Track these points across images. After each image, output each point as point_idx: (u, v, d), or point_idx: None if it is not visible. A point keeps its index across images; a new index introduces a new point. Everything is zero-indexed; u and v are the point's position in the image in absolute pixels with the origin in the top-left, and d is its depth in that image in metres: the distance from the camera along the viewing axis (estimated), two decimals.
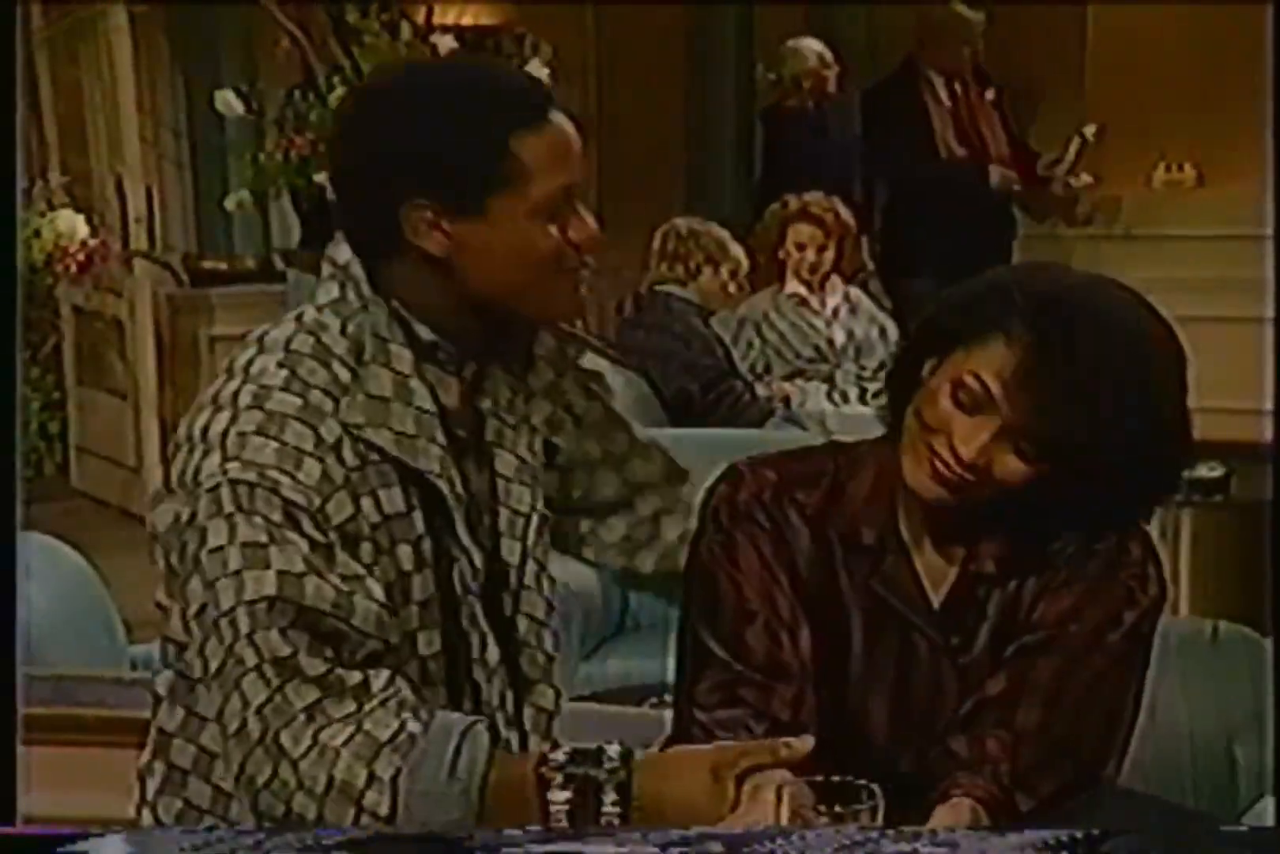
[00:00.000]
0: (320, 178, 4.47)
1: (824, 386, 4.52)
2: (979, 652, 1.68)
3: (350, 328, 1.54)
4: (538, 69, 5.95)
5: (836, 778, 1.39)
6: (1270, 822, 1.91)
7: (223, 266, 6.21)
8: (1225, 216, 5.66)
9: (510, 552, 1.63)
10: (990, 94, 5.87)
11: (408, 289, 1.56)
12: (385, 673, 1.46)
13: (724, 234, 4.52)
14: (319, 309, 1.56)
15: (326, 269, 1.58)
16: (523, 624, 1.65)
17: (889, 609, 1.69)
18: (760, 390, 4.52)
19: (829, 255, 4.69)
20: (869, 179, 5.90)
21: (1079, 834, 1.30)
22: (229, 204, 4.87)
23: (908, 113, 5.73)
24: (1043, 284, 1.61)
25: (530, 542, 1.65)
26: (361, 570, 1.49)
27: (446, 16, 5.74)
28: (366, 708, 1.44)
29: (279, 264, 5.33)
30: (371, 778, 1.42)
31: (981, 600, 1.68)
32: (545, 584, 1.68)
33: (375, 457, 1.52)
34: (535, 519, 1.66)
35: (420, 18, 4.77)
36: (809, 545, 1.71)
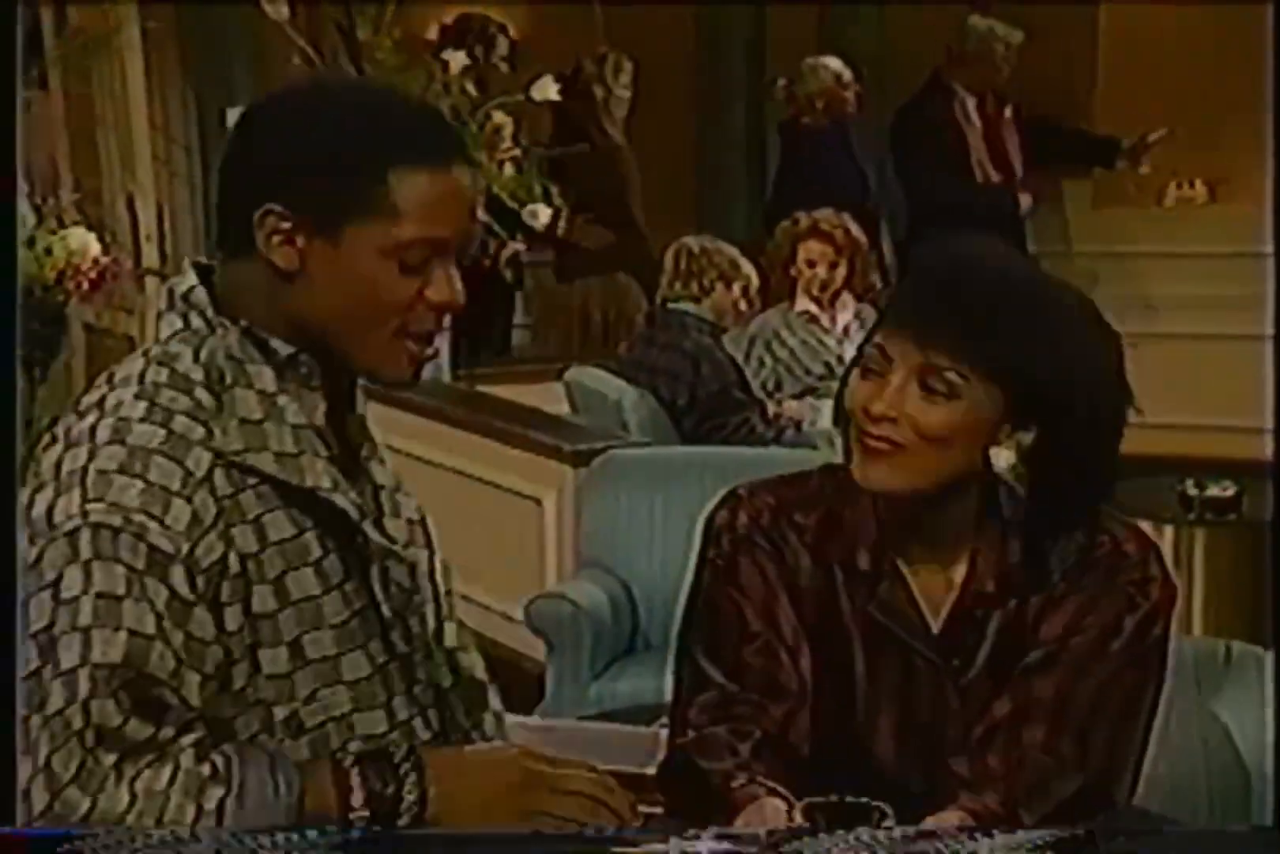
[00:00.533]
0: None
1: None
2: (980, 671, 1.69)
3: (203, 354, 1.48)
4: (621, 89, 6.03)
5: (849, 799, 1.41)
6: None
7: None
8: (1236, 234, 5.67)
9: (417, 558, 1.59)
10: (1009, 111, 5.87)
11: (252, 302, 1.50)
12: (195, 735, 1.41)
13: (735, 252, 4.54)
14: (165, 341, 1.50)
15: (164, 302, 1.53)
16: (450, 631, 1.61)
17: (889, 633, 1.70)
18: (771, 408, 4.53)
19: (840, 272, 4.69)
20: (884, 196, 5.91)
21: (1066, 834, 1.32)
22: None
23: (941, 132, 5.74)
24: (944, 253, 1.68)
25: (431, 547, 1.62)
26: (212, 634, 1.42)
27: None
28: (172, 753, 1.39)
29: None
30: (200, 811, 1.38)
31: (981, 622, 1.68)
32: (452, 592, 1.65)
33: (253, 480, 1.46)
34: (427, 525, 1.63)
35: (433, 34, 4.81)
36: (810, 568, 1.72)
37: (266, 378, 1.49)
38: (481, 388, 4.96)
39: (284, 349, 1.50)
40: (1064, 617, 1.66)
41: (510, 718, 3.01)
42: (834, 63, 5.95)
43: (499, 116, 4.63)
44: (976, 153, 5.76)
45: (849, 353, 4.77)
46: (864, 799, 1.42)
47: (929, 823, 1.53)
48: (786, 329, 4.72)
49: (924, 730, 1.70)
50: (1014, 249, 1.73)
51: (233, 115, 4.58)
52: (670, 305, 4.49)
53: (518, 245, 4.88)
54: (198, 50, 6.25)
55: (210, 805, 1.38)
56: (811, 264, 4.69)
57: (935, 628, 1.70)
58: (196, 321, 1.50)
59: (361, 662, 1.51)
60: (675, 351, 4.43)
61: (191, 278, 1.52)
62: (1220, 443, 5.06)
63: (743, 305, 4.53)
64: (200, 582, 1.41)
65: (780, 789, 1.57)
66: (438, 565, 1.63)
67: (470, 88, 4.57)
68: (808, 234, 4.69)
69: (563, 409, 4.66)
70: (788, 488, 1.77)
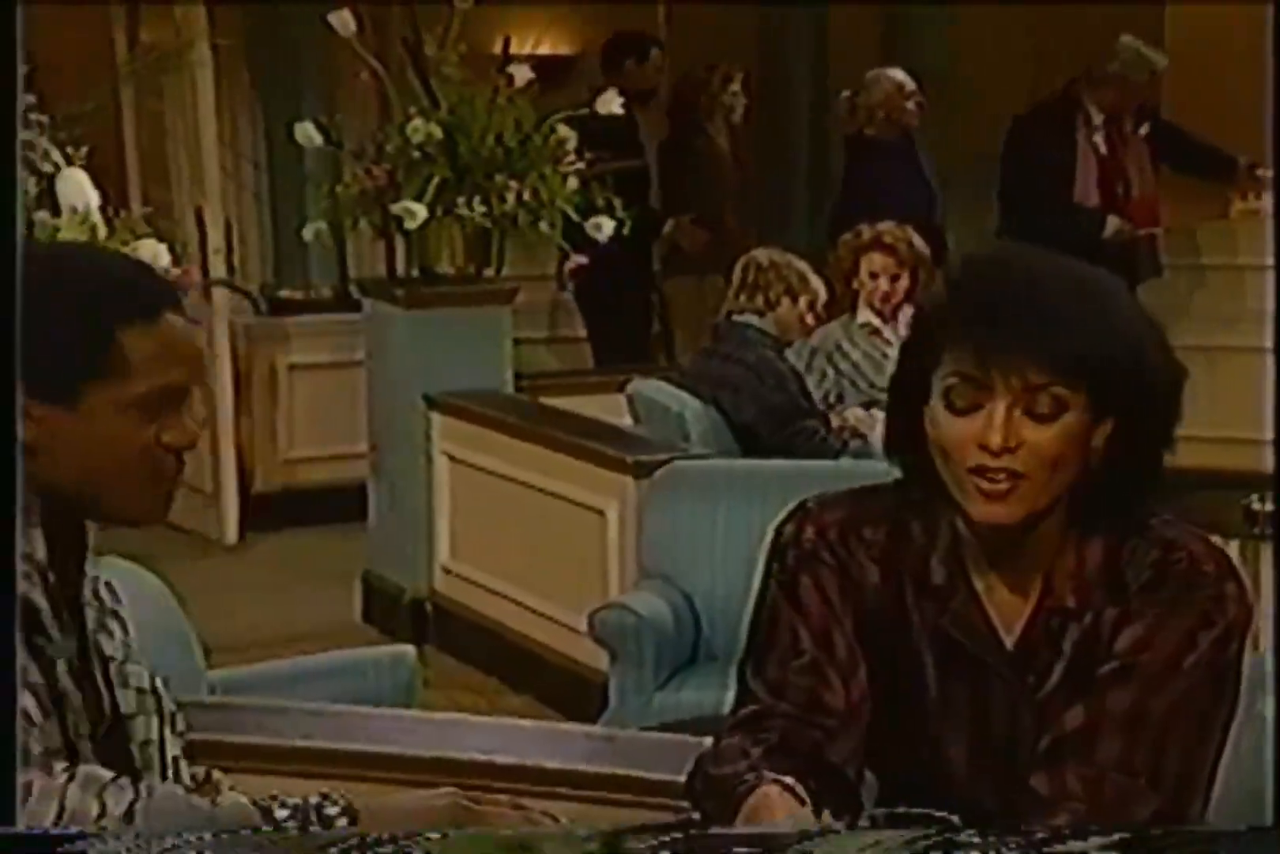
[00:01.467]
0: (395, 208, 4.57)
1: None
2: (1056, 686, 1.65)
3: None
4: (733, 99, 6.09)
5: (916, 810, 1.39)
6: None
7: (299, 296, 6.32)
8: None
9: (148, 727, 1.64)
10: (1145, 129, 5.85)
11: None
12: None
13: (804, 266, 4.53)
14: None
15: None
16: (138, 756, 1.63)
17: (961, 649, 1.67)
18: (834, 420, 4.53)
19: (902, 285, 4.68)
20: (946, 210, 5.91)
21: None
22: (306, 234, 4.90)
23: (1054, 147, 5.73)
24: (973, 269, 1.66)
25: (163, 714, 1.66)
26: None
27: (524, 46, 5.83)
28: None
29: (354, 293, 5.38)
30: (104, 809, 1.44)
31: (1056, 636, 1.66)
32: (153, 725, 1.65)
33: None
34: (159, 693, 1.66)
35: (497, 48, 4.85)
36: (878, 584, 1.70)
37: None
38: (545, 400, 4.99)
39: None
40: (1139, 631, 1.63)
41: (573, 726, 3.03)
42: (897, 74, 5.96)
43: (563, 130, 4.64)
44: (1084, 172, 5.75)
45: None
46: (930, 811, 1.40)
47: None
48: (849, 341, 4.72)
49: (998, 747, 1.68)
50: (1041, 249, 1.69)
51: (301, 130, 4.69)
52: (735, 318, 4.49)
53: (580, 258, 4.89)
54: (267, 67, 6.33)
55: (117, 810, 1.44)
56: (874, 276, 4.69)
57: (1009, 644, 1.67)
58: None
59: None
60: (737, 364, 4.43)
61: None
62: None
63: (809, 320, 4.53)
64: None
65: (787, 780, 1.55)
66: (168, 735, 1.66)
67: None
68: (871, 246, 4.70)
69: (625, 421, 4.68)
70: (858, 502, 1.74)
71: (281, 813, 1.50)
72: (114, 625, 1.67)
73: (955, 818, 1.38)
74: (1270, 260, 4.49)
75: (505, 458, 4.56)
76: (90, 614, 1.63)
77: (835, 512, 1.72)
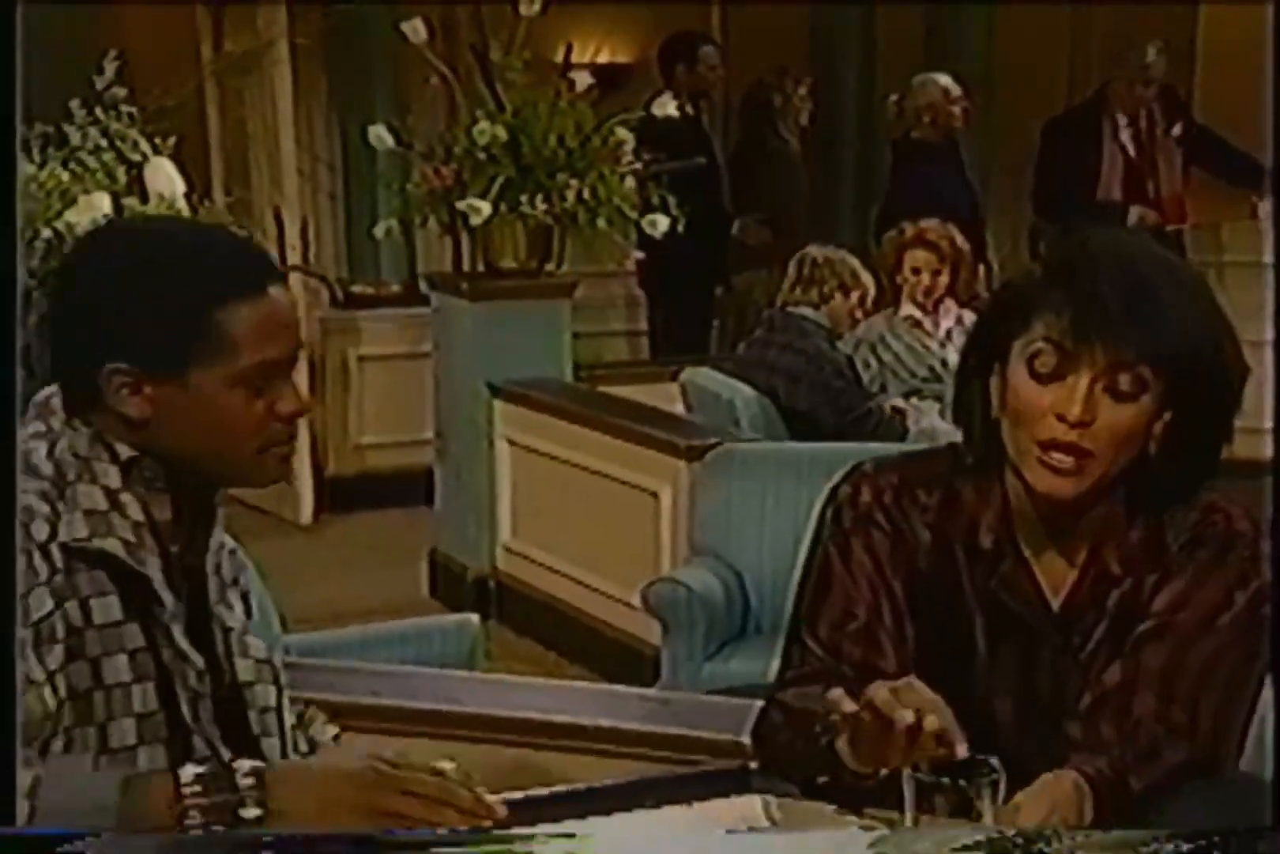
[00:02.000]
0: (461, 205, 4.64)
1: (937, 405, 4.61)
2: (1098, 644, 1.68)
3: (56, 451, 1.54)
4: (802, 103, 6.20)
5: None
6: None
7: (371, 291, 6.38)
8: None
9: (265, 695, 1.65)
10: (1178, 129, 5.93)
11: (117, 438, 1.55)
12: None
13: (856, 262, 4.67)
14: (25, 440, 1.54)
15: (32, 411, 1.57)
16: (256, 722, 1.64)
17: (1009, 611, 1.69)
18: (885, 407, 4.62)
19: (943, 280, 4.81)
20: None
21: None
22: (378, 232, 4.97)
23: (1079, 149, 5.84)
24: (1075, 246, 1.64)
25: (280, 684, 1.67)
26: (41, 676, 1.47)
27: (584, 55, 5.98)
28: None
29: (423, 288, 5.43)
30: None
31: (1100, 599, 1.67)
32: (270, 693, 1.66)
33: (86, 565, 1.50)
34: (274, 663, 1.67)
35: (560, 56, 4.97)
36: (930, 546, 1.70)
37: (112, 475, 1.54)
38: (602, 389, 5.06)
39: (126, 453, 1.55)
40: (1176, 590, 1.65)
41: (629, 689, 3.09)
42: (943, 78, 6.07)
43: (620, 132, 4.72)
44: (1110, 171, 5.87)
45: (951, 356, 4.92)
46: (974, 754, 1.40)
47: (1042, 781, 1.53)
48: (892, 333, 4.83)
49: (1043, 705, 1.69)
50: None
51: (374, 132, 4.86)
52: (790, 310, 4.62)
53: (638, 254, 5.03)
54: (342, 74, 6.41)
55: (23, 782, 1.38)
56: (916, 271, 4.81)
57: (1055, 606, 1.68)
58: (55, 424, 1.56)
59: (160, 757, 1.54)
60: (797, 354, 4.55)
61: (52, 388, 1.58)
62: None
63: (858, 313, 4.67)
64: (26, 633, 1.45)
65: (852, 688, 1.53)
66: (285, 702, 1.68)
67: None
68: (913, 243, 4.82)
69: (678, 409, 4.76)
70: (913, 466, 1.75)
71: (189, 772, 1.41)
72: (234, 597, 1.67)
73: (995, 760, 1.40)
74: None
75: (564, 443, 4.59)
76: (213, 584, 1.63)
77: (891, 475, 1.73)
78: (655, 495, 4.23)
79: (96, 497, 1.53)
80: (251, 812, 1.39)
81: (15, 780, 1.37)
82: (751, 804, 1.68)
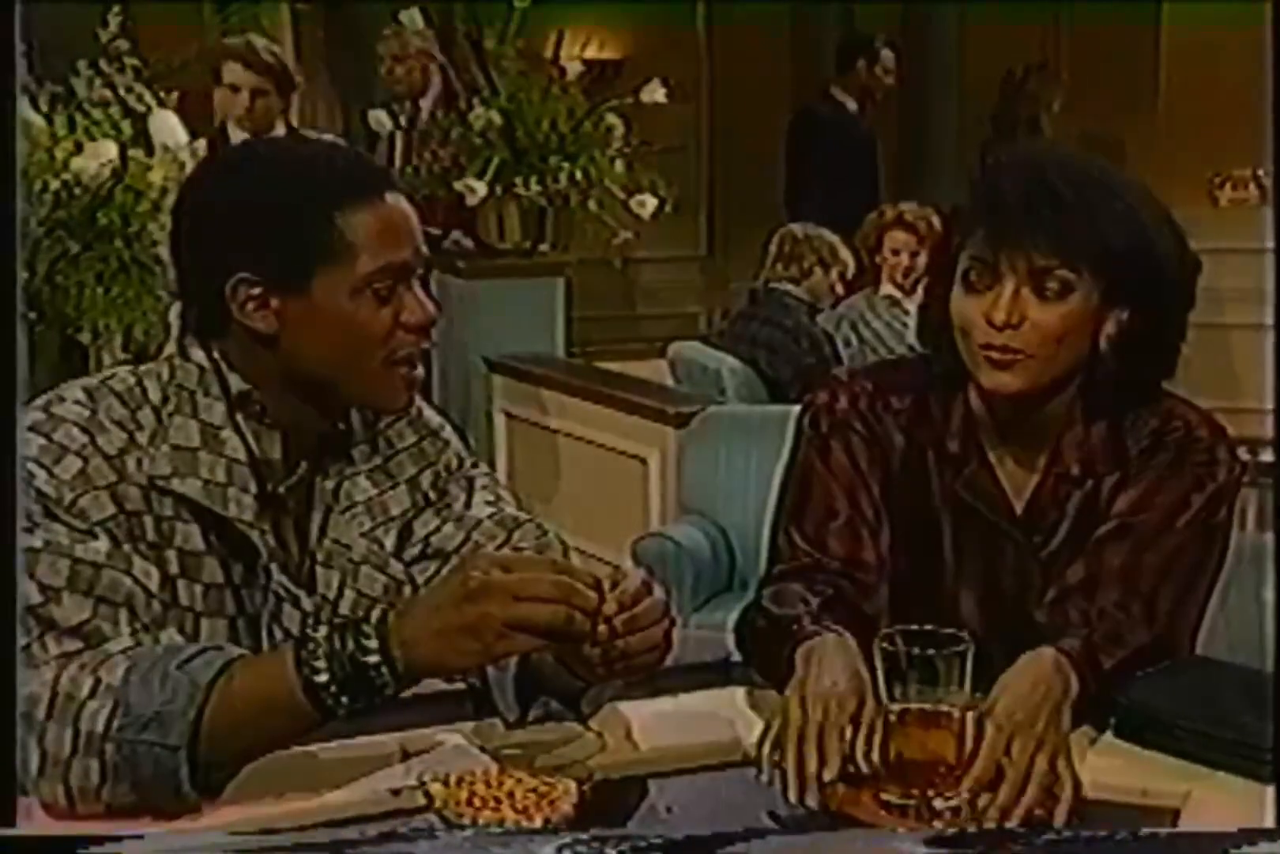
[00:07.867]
0: (457, 185, 4.77)
1: None
2: (1060, 544, 1.73)
3: (170, 378, 1.53)
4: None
5: (930, 627, 1.41)
6: None
7: None
8: None
9: (327, 589, 1.59)
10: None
11: (240, 364, 1.53)
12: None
13: (836, 239, 4.79)
14: (160, 360, 1.55)
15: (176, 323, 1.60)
16: None
17: (975, 512, 1.74)
18: None
19: (922, 261, 4.86)
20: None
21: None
22: None
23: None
24: (990, 163, 1.70)
25: (350, 586, 1.60)
26: (116, 564, 1.44)
27: (573, 48, 6.13)
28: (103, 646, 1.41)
29: None
30: (96, 685, 1.38)
31: (1062, 500, 1.72)
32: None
33: (169, 504, 1.48)
34: (357, 574, 1.60)
35: (549, 50, 5.07)
36: (903, 448, 1.75)
37: (216, 411, 1.52)
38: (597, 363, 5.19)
39: (238, 386, 1.52)
40: (1136, 493, 1.69)
41: None
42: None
43: (610, 118, 4.84)
44: None
45: None
46: (945, 629, 1.41)
47: (1023, 660, 1.55)
48: (871, 312, 4.93)
49: (1008, 601, 1.74)
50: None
51: (373, 116, 5.01)
52: (772, 285, 4.76)
53: (626, 234, 5.17)
54: (343, 57, 6.49)
55: (110, 679, 1.38)
56: (896, 252, 4.91)
57: (1019, 508, 1.72)
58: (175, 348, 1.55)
59: None
60: (776, 328, 4.67)
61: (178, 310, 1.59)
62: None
63: (839, 288, 4.78)
64: (95, 530, 1.43)
65: (845, 633, 1.58)
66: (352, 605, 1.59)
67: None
68: (893, 224, 4.93)
69: (667, 382, 4.87)
70: (885, 374, 1.81)
71: (317, 661, 1.36)
72: (360, 522, 1.60)
73: (965, 633, 1.41)
74: (1257, 244, 4.75)
75: (558, 414, 4.72)
76: (335, 518, 1.58)
77: (865, 381, 1.79)
78: (644, 461, 4.33)
79: (192, 432, 1.50)
80: (373, 657, 1.35)
81: (15, 781, 1.34)
82: (733, 695, 1.73)
